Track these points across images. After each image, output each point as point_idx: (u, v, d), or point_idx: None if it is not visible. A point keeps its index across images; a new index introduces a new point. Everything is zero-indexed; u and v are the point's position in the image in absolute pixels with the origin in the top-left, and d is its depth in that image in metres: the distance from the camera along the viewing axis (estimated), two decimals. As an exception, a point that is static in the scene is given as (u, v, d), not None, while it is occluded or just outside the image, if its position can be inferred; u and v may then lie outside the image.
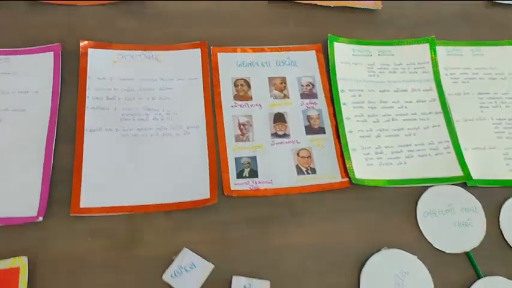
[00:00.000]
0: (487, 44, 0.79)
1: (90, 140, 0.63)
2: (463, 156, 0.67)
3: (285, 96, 0.70)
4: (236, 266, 0.58)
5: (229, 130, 0.67)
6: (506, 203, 0.65)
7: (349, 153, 0.66)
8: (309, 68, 0.73)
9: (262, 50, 0.73)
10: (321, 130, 0.68)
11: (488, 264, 0.61)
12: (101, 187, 0.60)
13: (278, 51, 0.74)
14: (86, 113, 0.65)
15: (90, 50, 0.69)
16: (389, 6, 0.80)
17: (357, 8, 0.79)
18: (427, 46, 0.76)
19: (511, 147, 0.70)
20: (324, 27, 0.77)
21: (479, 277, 0.60)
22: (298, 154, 0.66)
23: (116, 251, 0.57)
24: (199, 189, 0.62)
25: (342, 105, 0.70)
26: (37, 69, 0.67)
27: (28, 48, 0.69)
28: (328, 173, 0.65)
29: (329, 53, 0.73)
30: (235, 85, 0.70)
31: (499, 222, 0.64)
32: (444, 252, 0.61)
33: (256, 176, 0.64)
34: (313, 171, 0.65)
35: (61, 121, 0.65)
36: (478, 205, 0.64)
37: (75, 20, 0.73)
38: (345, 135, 0.67)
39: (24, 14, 0.73)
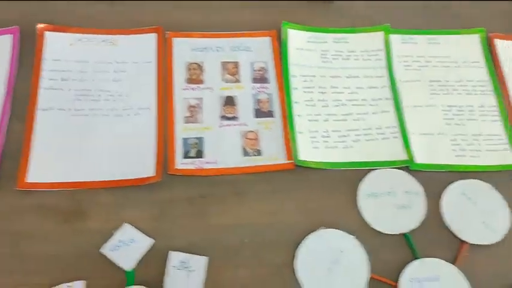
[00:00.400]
0: (443, 32, 0.79)
1: (41, 118, 0.65)
2: (408, 141, 0.68)
3: (237, 81, 0.72)
4: (176, 243, 0.60)
5: (179, 112, 0.68)
6: (450, 186, 0.66)
7: (294, 136, 0.67)
8: (262, 53, 0.74)
9: (217, 36, 0.75)
10: (270, 114, 0.70)
11: (426, 247, 0.62)
12: (49, 164, 0.62)
13: (233, 36, 0.75)
14: (39, 93, 0.67)
15: (46, 33, 0.71)
16: (347, -6, 0.81)
17: (314, -5, 0.80)
18: (381, 34, 0.77)
19: (459, 133, 0.70)
20: (282, 14, 0.78)
21: (416, 258, 0.61)
22: (246, 136, 0.68)
23: (58, 224, 0.59)
24: (145, 168, 0.63)
25: (292, 90, 0.71)
26: (-5, 51, 0.70)
27: (-14, 30, 0.71)
28: (273, 155, 0.66)
29: (282, 38, 0.75)
30: (188, 69, 0.72)
31: (440, 206, 0.65)
32: (382, 233, 0.62)
33: (202, 157, 0.65)
34: (259, 153, 0.67)
35: (16, 101, 0.67)
36: (420, 189, 0.65)
37: (35, 4, 0.75)
38: (292, 118, 0.69)
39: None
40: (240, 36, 0.75)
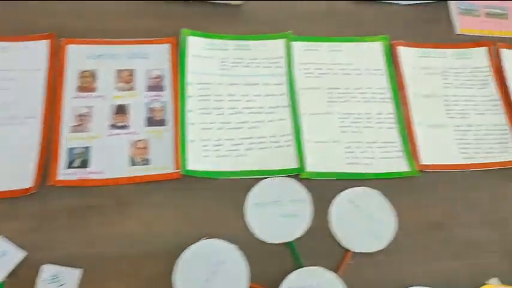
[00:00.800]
0: (347, 40, 0.80)
1: None
2: (301, 149, 0.68)
3: (131, 89, 0.71)
4: (52, 255, 0.58)
5: (67, 121, 0.67)
6: (340, 194, 0.66)
7: (184, 144, 0.67)
8: (160, 61, 0.73)
9: (114, 43, 0.74)
10: (162, 122, 0.69)
11: (311, 255, 0.61)
12: None
13: (130, 44, 0.74)
14: None
15: None
16: (252, 2, 0.81)
17: (218, 2, 0.80)
18: (283, 41, 0.77)
19: (353, 141, 0.71)
20: (183, 21, 0.77)
21: (300, 267, 0.61)
22: (135, 145, 0.67)
23: None
24: (23, 179, 0.62)
25: (187, 98, 0.71)
26: None
27: None
28: (162, 164, 0.65)
29: (180, 46, 0.74)
30: (80, 77, 0.70)
31: (328, 214, 0.65)
32: (266, 242, 0.62)
33: (88, 166, 0.64)
34: (148, 162, 0.65)
35: None
36: (308, 197, 0.65)
37: None
38: (184, 127, 0.68)
39: None
40: (138, 43, 0.74)
